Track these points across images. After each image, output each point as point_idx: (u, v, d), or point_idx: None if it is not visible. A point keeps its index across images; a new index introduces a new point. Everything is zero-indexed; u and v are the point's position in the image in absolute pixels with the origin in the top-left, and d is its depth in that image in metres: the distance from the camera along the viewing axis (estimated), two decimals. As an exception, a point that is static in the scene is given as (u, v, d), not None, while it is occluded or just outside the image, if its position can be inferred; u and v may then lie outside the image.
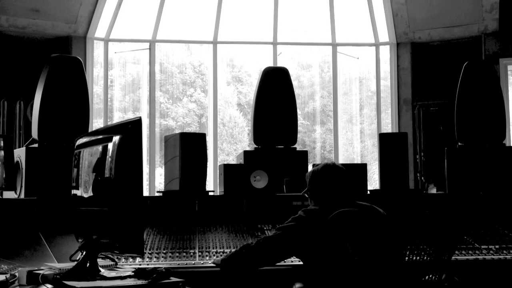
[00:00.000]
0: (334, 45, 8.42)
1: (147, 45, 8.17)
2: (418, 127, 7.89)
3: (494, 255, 3.59)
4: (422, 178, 7.20)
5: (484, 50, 7.67)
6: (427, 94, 7.92)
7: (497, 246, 3.71)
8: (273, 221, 4.01)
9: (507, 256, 3.57)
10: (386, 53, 8.47)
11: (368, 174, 5.24)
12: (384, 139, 4.78)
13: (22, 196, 4.13)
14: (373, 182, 8.11)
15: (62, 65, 4.51)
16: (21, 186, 4.16)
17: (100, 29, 7.82)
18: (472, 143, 4.91)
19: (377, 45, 8.46)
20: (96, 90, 8.02)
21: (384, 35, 8.31)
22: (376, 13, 8.24)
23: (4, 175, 3.98)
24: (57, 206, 3.77)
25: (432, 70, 7.93)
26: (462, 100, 4.97)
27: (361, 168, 4.66)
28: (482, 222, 4.13)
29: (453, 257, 3.08)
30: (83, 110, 4.49)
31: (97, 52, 8.01)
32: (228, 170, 4.50)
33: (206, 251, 3.50)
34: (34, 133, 4.39)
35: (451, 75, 7.00)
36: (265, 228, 3.95)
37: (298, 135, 5.33)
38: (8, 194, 4.37)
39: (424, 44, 8.03)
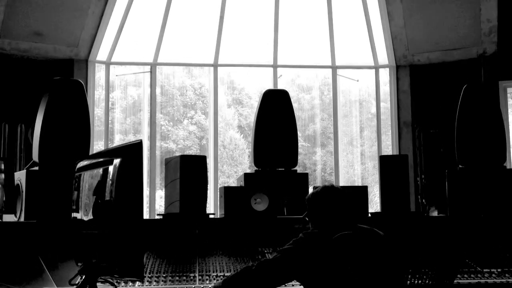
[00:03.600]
0: (334, 68, 8.47)
1: (148, 68, 8.22)
2: (418, 149, 7.89)
3: (496, 279, 3.55)
4: (423, 200, 7.18)
5: (483, 73, 7.71)
6: (427, 116, 7.94)
7: (499, 270, 3.68)
8: (274, 244, 3.99)
9: (509, 280, 3.54)
10: (385, 75, 8.52)
11: (369, 197, 5.23)
12: (385, 162, 4.78)
13: (22, 219, 4.12)
14: (374, 204, 8.08)
15: (63, 88, 4.54)
16: (21, 209, 4.15)
17: (101, 52, 7.89)
18: (473, 166, 4.91)
19: (376, 67, 8.51)
20: (97, 112, 8.05)
21: (384, 58, 8.37)
22: (375, 36, 8.31)
23: (4, 198, 3.97)
24: (57, 230, 3.75)
25: (431, 93, 7.97)
26: (462, 123, 4.99)
27: (362, 191, 4.65)
28: (484, 245, 4.10)
29: (455, 281, 3.05)
30: (84, 133, 4.50)
31: (98, 75, 8.06)
32: (228, 193, 4.49)
33: (206, 275, 3.47)
34: (35, 156, 4.39)
35: (451, 98, 7.03)
36: (265, 251, 3.93)
37: (299, 158, 5.33)
38: (8, 217, 4.36)
39: (423, 66, 8.07)
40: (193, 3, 8.22)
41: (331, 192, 3.01)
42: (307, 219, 3.16)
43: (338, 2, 8.27)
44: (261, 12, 8.39)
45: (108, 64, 8.05)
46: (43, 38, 7.37)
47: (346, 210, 2.97)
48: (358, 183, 8.61)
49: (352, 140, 8.89)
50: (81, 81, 4.68)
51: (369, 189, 4.94)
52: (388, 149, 8.30)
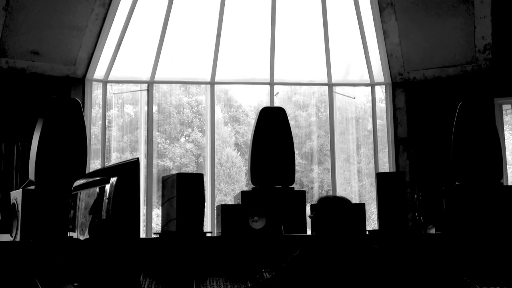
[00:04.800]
0: (330, 85, 8.51)
1: (145, 86, 8.24)
2: (415, 166, 7.90)
3: (495, 297, 3.54)
4: (421, 218, 7.16)
5: (478, 90, 7.76)
6: (423, 133, 7.97)
7: None
8: (272, 262, 3.96)
9: (508, 297, 3.52)
10: (381, 92, 8.57)
11: (367, 214, 5.21)
12: (382, 179, 4.78)
13: (18, 239, 4.09)
14: (372, 222, 8.06)
15: (60, 106, 4.54)
16: (17, 229, 4.12)
17: (99, 71, 7.91)
18: (470, 183, 4.91)
19: (372, 85, 8.55)
20: (94, 130, 8.05)
21: (380, 75, 8.41)
22: (371, 54, 8.36)
23: (-1, 218, 3.95)
24: (53, 250, 3.72)
25: (427, 110, 8.00)
26: (458, 140, 5.00)
27: (359, 208, 4.64)
28: (483, 263, 4.08)
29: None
30: (80, 152, 4.50)
31: (95, 93, 8.08)
32: (225, 211, 4.47)
33: (204, 294, 3.44)
34: (31, 175, 4.38)
35: (447, 114, 7.07)
36: (263, 270, 3.90)
37: (296, 175, 5.33)
38: (3, 237, 4.33)
39: (419, 84, 8.12)
40: (190, 21, 8.27)
41: (330, 203, 3.00)
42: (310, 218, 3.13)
43: (334, 20, 8.34)
44: (258, 29, 8.45)
45: (105, 82, 8.07)
46: (40, 57, 7.40)
47: (349, 223, 2.96)
48: (356, 200, 8.60)
49: (349, 157, 8.90)
50: (78, 100, 4.69)
51: (366, 207, 4.94)
52: (385, 166, 8.31)
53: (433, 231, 5.57)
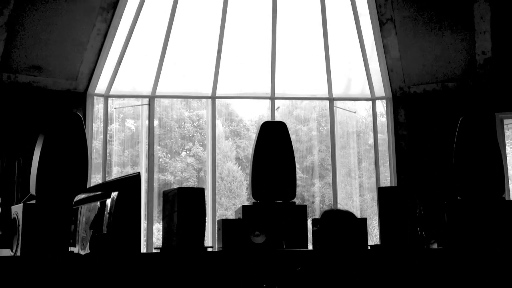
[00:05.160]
0: (331, 100, 8.53)
1: (146, 100, 8.26)
2: (416, 181, 7.88)
3: (499, 312, 3.51)
4: (423, 232, 7.13)
5: (479, 105, 7.77)
6: (424, 148, 7.96)
7: (501, 303, 3.64)
8: (273, 277, 3.94)
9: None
10: (382, 107, 8.58)
11: (369, 229, 5.20)
12: (384, 193, 4.77)
13: (19, 254, 4.07)
14: (374, 237, 8.02)
15: (61, 121, 4.55)
16: (18, 244, 4.10)
17: (100, 85, 7.94)
18: (472, 197, 4.90)
19: (373, 99, 8.56)
20: (95, 145, 8.06)
21: (380, 89, 8.43)
22: (371, 68, 8.39)
23: (0, 232, 3.94)
24: (54, 264, 3.70)
25: (428, 124, 8.00)
26: (460, 154, 5.00)
27: (361, 223, 4.63)
28: (485, 277, 4.06)
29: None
30: (82, 166, 4.49)
31: (97, 107, 8.10)
32: (226, 226, 4.46)
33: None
34: (32, 189, 4.37)
35: (448, 129, 7.07)
36: (265, 286, 3.88)
37: (297, 189, 5.32)
38: (4, 252, 4.31)
39: (420, 98, 8.12)
40: (191, 36, 8.32)
41: (332, 217, 2.99)
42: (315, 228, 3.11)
43: (334, 34, 8.38)
44: (259, 44, 8.49)
45: (106, 97, 8.10)
46: (42, 72, 7.43)
47: (353, 236, 2.95)
48: (357, 215, 8.51)
49: (350, 172, 8.89)
50: (79, 114, 4.70)
51: (368, 221, 4.92)
52: (387, 180, 8.29)
53: (435, 246, 5.54)
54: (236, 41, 8.37)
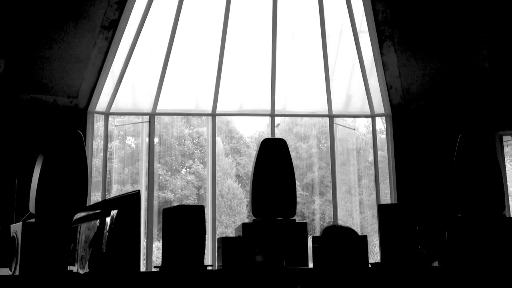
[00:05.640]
0: (331, 116, 8.54)
1: (147, 117, 8.28)
2: (416, 198, 7.86)
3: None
4: (423, 250, 7.10)
5: (479, 121, 7.78)
6: (423, 164, 7.95)
7: (503, 321, 3.61)
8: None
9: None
10: (382, 123, 8.60)
11: (369, 247, 5.17)
12: (384, 211, 4.76)
13: (18, 273, 4.05)
14: (374, 255, 7.98)
15: (62, 139, 4.56)
16: (17, 263, 4.08)
17: (101, 103, 7.96)
18: (472, 214, 4.88)
19: (373, 116, 8.58)
20: (95, 162, 8.06)
21: (380, 106, 8.46)
22: (371, 85, 8.42)
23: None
24: (53, 284, 3.68)
25: (428, 141, 8.01)
26: (459, 171, 5.00)
27: (362, 240, 4.60)
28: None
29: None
30: (81, 185, 4.49)
31: (97, 125, 8.11)
32: (226, 244, 4.44)
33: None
34: (32, 207, 4.36)
35: (447, 146, 7.08)
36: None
37: (297, 207, 5.31)
38: (3, 271, 4.28)
39: (419, 115, 8.14)
40: (192, 53, 8.37)
41: (341, 233, 2.97)
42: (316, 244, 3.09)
43: (334, 51, 8.43)
44: (259, 61, 8.53)
45: (107, 114, 8.12)
46: (43, 90, 7.45)
47: (355, 252, 2.93)
48: (358, 232, 8.52)
49: (350, 189, 8.88)
50: (80, 132, 4.70)
51: (368, 239, 4.90)
52: (387, 197, 8.27)
53: (436, 264, 5.52)
54: (236, 58, 8.42)
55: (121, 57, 7.92)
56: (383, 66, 8.04)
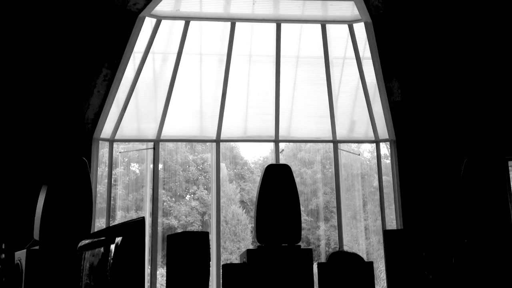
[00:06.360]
0: (335, 142, 8.55)
1: (151, 144, 8.31)
2: (422, 223, 7.81)
3: None
4: (430, 276, 7.02)
5: (485, 147, 7.77)
6: (429, 190, 7.92)
7: None
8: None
9: None
10: (386, 149, 8.60)
11: (375, 273, 5.12)
12: (389, 236, 4.72)
13: (21, 300, 4.03)
14: (381, 281, 7.89)
15: (67, 165, 4.58)
16: (20, 290, 4.07)
17: (105, 130, 8.01)
18: (478, 240, 4.84)
19: (377, 141, 8.59)
20: (99, 189, 8.07)
21: (384, 132, 8.47)
22: (375, 111, 8.45)
23: (3, 279, 3.91)
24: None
25: (433, 166, 7.99)
26: (465, 197, 4.97)
27: (368, 267, 4.56)
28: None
29: None
30: (86, 212, 4.49)
31: (102, 152, 8.14)
32: (230, 271, 4.41)
33: None
34: (36, 235, 4.36)
35: (453, 171, 7.06)
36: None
37: (302, 232, 5.27)
38: (6, 298, 4.25)
39: (424, 140, 8.14)
40: (196, 80, 8.44)
41: (347, 258, 2.96)
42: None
43: (337, 76, 8.49)
44: (263, 87, 8.59)
45: (112, 141, 8.16)
46: (49, 115, 7.51)
47: (360, 278, 2.91)
48: (363, 258, 8.45)
49: (355, 214, 8.83)
50: (84, 159, 4.72)
51: (374, 265, 4.86)
52: (392, 223, 8.22)
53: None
54: (240, 85, 8.49)
55: (126, 84, 7.99)
56: (387, 91, 8.06)
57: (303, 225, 5.40)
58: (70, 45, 7.24)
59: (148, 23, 7.81)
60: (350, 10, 7.93)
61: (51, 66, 7.32)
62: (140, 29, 7.55)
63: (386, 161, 8.61)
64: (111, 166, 8.13)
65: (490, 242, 4.80)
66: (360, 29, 8.08)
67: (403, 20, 7.58)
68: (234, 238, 9.11)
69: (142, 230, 2.36)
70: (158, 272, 7.87)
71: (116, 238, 2.39)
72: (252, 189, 9.46)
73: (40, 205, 4.40)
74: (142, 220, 2.36)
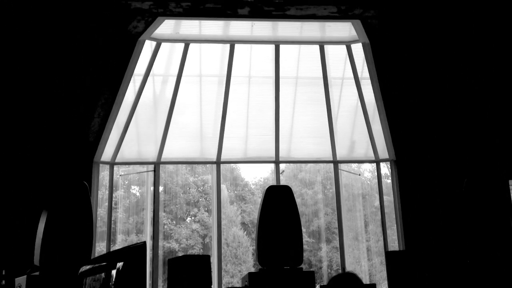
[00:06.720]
0: (336, 162, 8.55)
1: (151, 166, 8.30)
2: (423, 243, 7.76)
3: None
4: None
5: (486, 167, 7.76)
6: (431, 210, 7.88)
7: None
8: None
9: None
10: (387, 168, 8.59)
11: (378, 295, 5.08)
12: (392, 258, 4.69)
13: (20, 327, 3.98)
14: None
15: (67, 190, 4.56)
16: (20, 317, 4.02)
17: (106, 153, 8.01)
18: (481, 260, 4.81)
19: (377, 161, 8.58)
20: (100, 212, 8.03)
21: (384, 151, 8.46)
22: (374, 130, 8.46)
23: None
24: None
25: (433, 186, 7.96)
26: (466, 217, 4.95)
27: (370, 289, 4.53)
28: None
29: None
30: (87, 237, 4.46)
31: (102, 174, 8.13)
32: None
33: None
34: (36, 260, 4.33)
35: (453, 191, 7.04)
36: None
37: (304, 254, 5.24)
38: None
39: (424, 160, 8.12)
40: (196, 102, 8.47)
41: (348, 280, 2.93)
42: None
43: (337, 96, 8.51)
44: (262, 108, 8.62)
45: (112, 164, 8.15)
46: (49, 139, 7.51)
47: None
48: (366, 280, 8.39)
49: (357, 235, 8.78)
50: (85, 183, 4.71)
51: (377, 287, 4.82)
52: (395, 244, 8.16)
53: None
54: (240, 105, 8.51)
55: (127, 107, 8.02)
56: (386, 111, 8.08)
57: (304, 246, 5.37)
58: (71, 67, 7.28)
59: (148, 46, 7.87)
60: (348, 31, 8.00)
61: (52, 90, 7.35)
62: (140, 52, 7.60)
63: (387, 181, 8.59)
64: (111, 189, 8.11)
65: (493, 262, 4.77)
66: (358, 49, 8.13)
67: (400, 40, 7.64)
68: (236, 261, 9.05)
69: (143, 255, 2.35)
70: (159, 296, 7.80)
71: (117, 263, 2.37)
72: (253, 210, 9.43)
73: (40, 231, 4.38)
74: (143, 245, 2.34)
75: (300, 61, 8.56)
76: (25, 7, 6.73)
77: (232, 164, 9.14)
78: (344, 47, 8.25)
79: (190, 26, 7.79)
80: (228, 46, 8.15)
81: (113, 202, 8.15)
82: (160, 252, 8.08)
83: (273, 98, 8.43)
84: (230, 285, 6.20)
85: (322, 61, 8.34)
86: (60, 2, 6.82)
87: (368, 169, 9.03)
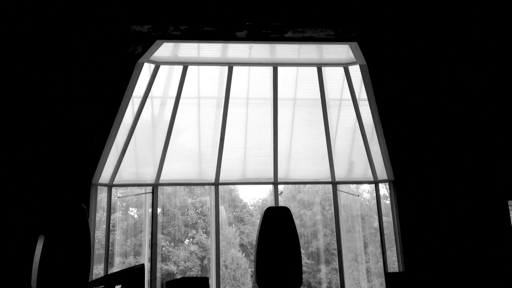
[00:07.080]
0: (334, 183, 8.54)
1: (150, 188, 8.28)
2: (424, 264, 7.71)
3: None
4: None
5: (485, 187, 7.75)
6: (430, 230, 7.85)
7: None
8: None
9: None
10: (386, 189, 8.57)
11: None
12: (392, 279, 4.66)
13: None
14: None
15: (65, 212, 4.55)
16: None
17: (104, 175, 7.99)
18: (483, 282, 4.79)
19: (376, 182, 8.58)
20: (97, 235, 7.98)
21: (382, 172, 8.46)
22: (373, 151, 8.47)
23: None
24: None
25: (432, 206, 7.94)
26: (466, 238, 4.94)
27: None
28: None
29: None
30: (85, 259, 4.43)
31: (100, 196, 8.10)
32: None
33: None
34: (33, 284, 4.29)
35: (452, 211, 7.03)
36: None
37: (303, 276, 5.21)
38: None
39: (423, 181, 8.12)
40: (194, 124, 8.49)
41: None
42: None
43: (335, 118, 8.54)
44: (261, 130, 8.63)
45: (110, 186, 8.13)
46: (48, 161, 7.50)
47: None
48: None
49: (356, 256, 8.73)
50: (83, 206, 4.70)
51: (377, 309, 4.78)
52: (394, 265, 8.11)
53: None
54: (238, 127, 8.53)
55: (125, 130, 8.03)
56: (384, 132, 8.10)
57: (303, 268, 5.34)
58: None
59: (146, 68, 7.92)
60: (345, 53, 8.06)
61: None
62: (139, 75, 7.64)
63: (386, 202, 8.57)
64: (109, 211, 8.07)
65: (493, 283, 4.74)
66: (355, 71, 8.19)
67: (397, 61, 7.69)
68: (234, 283, 8.97)
69: (141, 278, 2.33)
70: (157, 320, 7.71)
71: (116, 286, 2.36)
72: (252, 232, 9.38)
73: (38, 253, 4.35)
74: (141, 267, 2.33)
75: (298, 82, 8.61)
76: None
77: (230, 186, 9.12)
78: (341, 69, 8.31)
79: (188, 49, 7.85)
80: (226, 68, 8.21)
81: (111, 224, 8.10)
82: (158, 275, 8.00)
83: (271, 119, 8.46)
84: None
85: (320, 83, 8.39)
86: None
87: (366, 190, 9.02)
